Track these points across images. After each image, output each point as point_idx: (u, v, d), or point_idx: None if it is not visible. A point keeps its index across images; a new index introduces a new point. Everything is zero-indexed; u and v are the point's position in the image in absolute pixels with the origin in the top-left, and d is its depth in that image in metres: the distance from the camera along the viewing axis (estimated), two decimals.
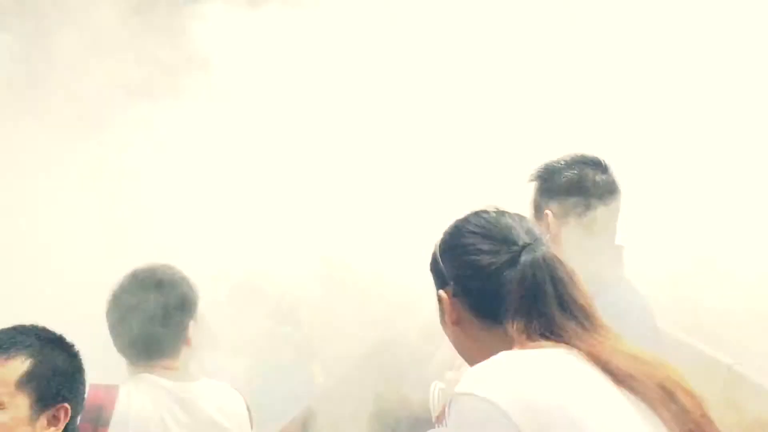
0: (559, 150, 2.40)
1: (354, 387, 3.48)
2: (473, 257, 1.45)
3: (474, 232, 1.48)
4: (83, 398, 1.79)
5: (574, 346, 1.34)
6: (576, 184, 2.27)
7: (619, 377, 1.30)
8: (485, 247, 1.45)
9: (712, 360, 2.57)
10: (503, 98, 4.61)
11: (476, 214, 1.53)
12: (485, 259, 1.44)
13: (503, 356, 1.33)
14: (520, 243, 1.44)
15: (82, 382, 1.78)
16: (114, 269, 2.22)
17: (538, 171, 2.34)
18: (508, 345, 1.37)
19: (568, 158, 2.34)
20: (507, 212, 1.52)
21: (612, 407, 1.28)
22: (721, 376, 2.48)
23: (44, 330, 1.79)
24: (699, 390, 1.35)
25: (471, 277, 1.45)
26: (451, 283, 1.47)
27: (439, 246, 1.53)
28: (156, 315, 2.07)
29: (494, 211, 1.51)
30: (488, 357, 1.38)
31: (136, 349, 2.09)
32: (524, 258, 1.42)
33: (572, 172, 2.29)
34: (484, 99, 4.66)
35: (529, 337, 1.37)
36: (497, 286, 1.42)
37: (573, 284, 1.43)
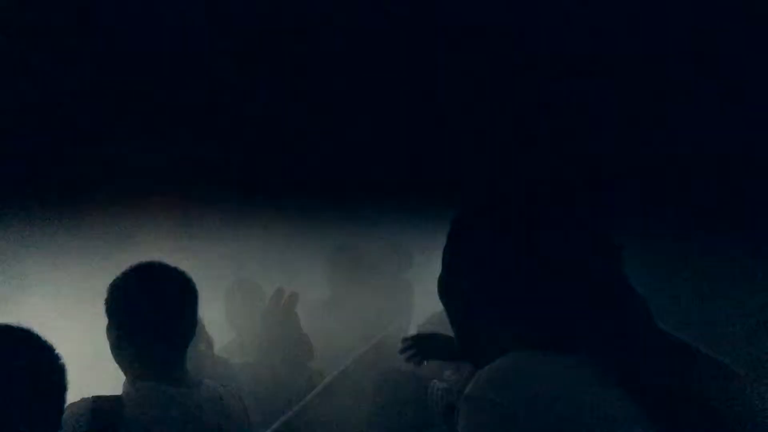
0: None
1: (353, 385, 3.48)
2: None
3: (526, 225, 1.38)
4: (55, 416, 1.63)
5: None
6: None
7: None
8: None
9: (711, 360, 2.57)
10: None
11: (521, 205, 1.42)
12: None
13: (516, 357, 1.28)
14: None
15: (54, 402, 1.62)
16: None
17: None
18: (512, 344, 1.32)
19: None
20: None
21: (628, 416, 1.23)
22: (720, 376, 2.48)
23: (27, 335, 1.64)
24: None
25: (513, 277, 1.36)
26: (478, 274, 1.38)
27: (467, 229, 1.43)
28: (173, 312, 1.96)
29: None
30: (488, 348, 1.35)
31: (145, 351, 1.96)
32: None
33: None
34: None
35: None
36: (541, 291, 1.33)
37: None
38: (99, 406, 1.84)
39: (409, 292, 4.94)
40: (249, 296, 3.81)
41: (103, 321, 1.98)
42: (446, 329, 1.66)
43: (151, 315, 1.95)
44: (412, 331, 4.47)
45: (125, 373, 2.00)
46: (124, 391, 1.95)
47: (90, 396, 1.86)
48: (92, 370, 2.24)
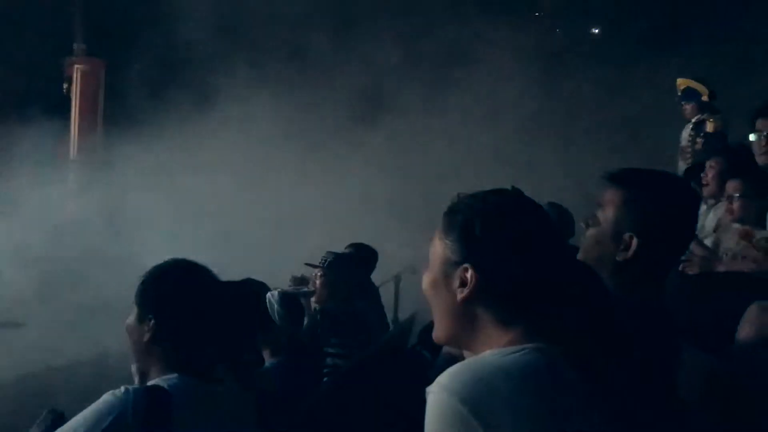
0: None
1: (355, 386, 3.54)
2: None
3: (539, 220, 1.38)
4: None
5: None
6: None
7: None
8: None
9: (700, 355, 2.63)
10: None
11: (530, 200, 1.41)
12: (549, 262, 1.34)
13: (488, 358, 1.28)
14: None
15: None
16: None
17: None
18: (500, 340, 1.32)
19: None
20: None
21: (584, 402, 1.27)
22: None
23: None
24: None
25: (525, 271, 1.33)
26: (489, 265, 1.33)
27: (481, 219, 1.36)
28: (232, 319, 2.09)
29: (550, 203, 1.41)
30: (473, 341, 1.35)
31: (196, 352, 1.97)
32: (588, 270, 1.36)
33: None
34: None
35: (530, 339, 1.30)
36: (549, 291, 1.34)
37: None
38: (152, 398, 1.83)
39: None
40: None
41: None
42: None
43: (199, 309, 1.97)
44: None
45: (153, 364, 1.98)
46: (161, 384, 1.91)
47: (130, 386, 1.87)
48: None
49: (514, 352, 1.28)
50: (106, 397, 1.82)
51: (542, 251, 1.34)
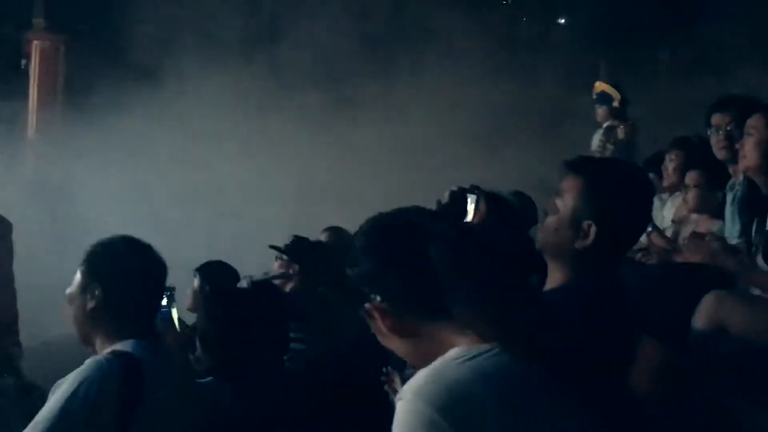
0: None
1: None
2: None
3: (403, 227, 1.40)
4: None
5: None
6: None
7: None
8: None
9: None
10: None
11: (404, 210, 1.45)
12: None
13: (456, 361, 1.28)
14: None
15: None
16: None
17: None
18: (460, 341, 1.32)
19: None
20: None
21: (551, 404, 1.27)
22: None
23: None
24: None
25: (408, 281, 1.33)
26: (381, 289, 1.34)
27: (365, 246, 1.40)
28: (159, 281, 2.18)
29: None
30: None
31: (136, 312, 2.07)
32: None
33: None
34: None
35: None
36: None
37: None
38: (125, 364, 1.87)
39: None
40: None
41: None
42: None
43: (143, 281, 2.05)
44: None
45: (98, 333, 2.02)
46: (124, 349, 1.94)
47: (101, 357, 1.90)
48: None
49: (480, 354, 1.27)
50: (84, 371, 1.85)
51: (423, 259, 1.32)
